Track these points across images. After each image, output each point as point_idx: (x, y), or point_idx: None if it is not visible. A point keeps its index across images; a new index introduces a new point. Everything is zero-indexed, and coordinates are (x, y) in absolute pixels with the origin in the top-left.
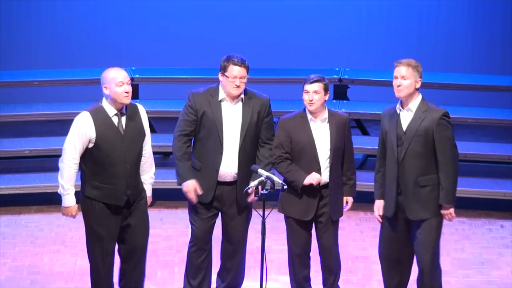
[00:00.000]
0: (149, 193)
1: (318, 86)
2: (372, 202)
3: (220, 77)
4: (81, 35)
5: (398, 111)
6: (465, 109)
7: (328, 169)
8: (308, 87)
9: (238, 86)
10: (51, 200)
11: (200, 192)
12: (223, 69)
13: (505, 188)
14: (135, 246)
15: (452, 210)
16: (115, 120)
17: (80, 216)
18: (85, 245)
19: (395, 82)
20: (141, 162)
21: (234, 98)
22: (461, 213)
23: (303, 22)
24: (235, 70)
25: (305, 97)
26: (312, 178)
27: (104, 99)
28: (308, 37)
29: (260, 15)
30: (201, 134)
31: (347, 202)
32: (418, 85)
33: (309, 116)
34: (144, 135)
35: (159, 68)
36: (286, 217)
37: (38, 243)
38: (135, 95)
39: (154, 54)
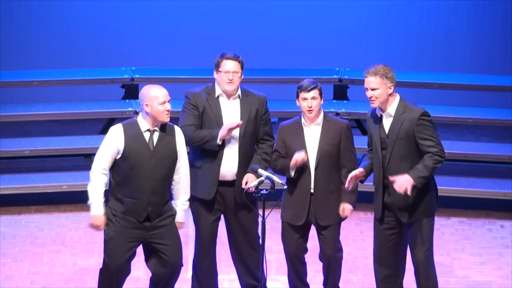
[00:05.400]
0: (181, 218)
1: (315, 92)
2: (372, 202)
3: (215, 75)
4: (81, 35)
5: (379, 116)
6: (465, 109)
7: (315, 173)
8: (306, 94)
9: (231, 81)
10: (51, 200)
11: None
12: (217, 66)
13: (505, 188)
14: (171, 266)
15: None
16: (146, 135)
17: (80, 217)
18: (86, 246)
19: (367, 94)
20: (174, 186)
21: (231, 95)
22: (461, 213)
23: (303, 22)
24: (228, 65)
25: (304, 104)
26: (295, 158)
27: (140, 115)
28: (308, 37)
29: (260, 15)
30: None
31: (343, 209)
32: (391, 91)
33: (303, 121)
34: (176, 157)
35: (159, 68)
36: (282, 221)
37: (38, 243)
38: (135, 94)
39: (154, 54)
